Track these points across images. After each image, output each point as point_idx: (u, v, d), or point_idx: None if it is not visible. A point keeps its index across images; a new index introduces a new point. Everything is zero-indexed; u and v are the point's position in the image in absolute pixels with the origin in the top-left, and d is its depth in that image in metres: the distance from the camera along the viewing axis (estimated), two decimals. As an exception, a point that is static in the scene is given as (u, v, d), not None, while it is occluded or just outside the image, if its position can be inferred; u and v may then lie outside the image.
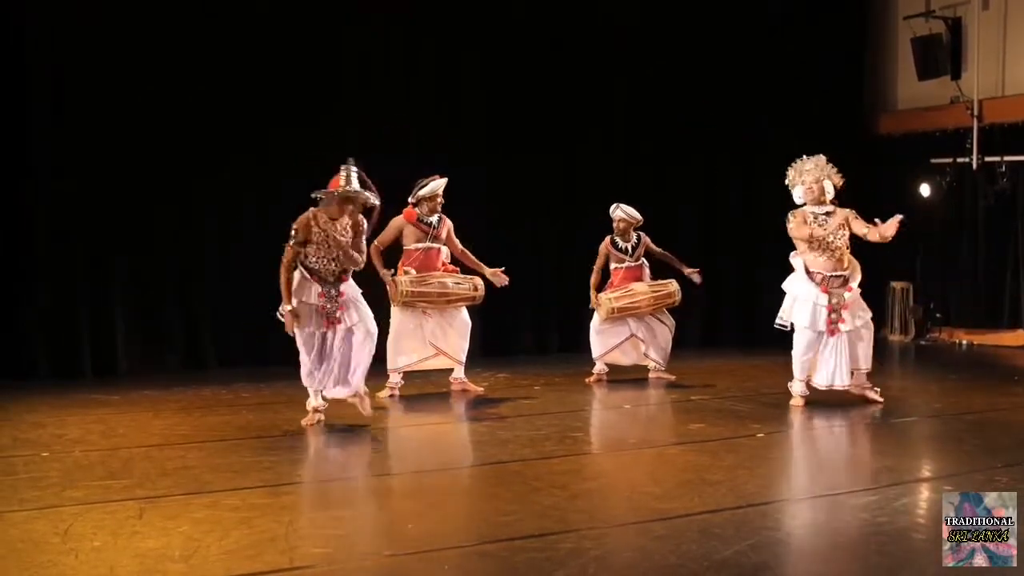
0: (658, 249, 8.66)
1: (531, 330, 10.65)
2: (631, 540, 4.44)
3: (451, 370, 8.09)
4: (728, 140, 11.61)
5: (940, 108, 11.84)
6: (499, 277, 7.86)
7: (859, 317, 7.32)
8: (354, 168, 6.52)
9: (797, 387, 7.46)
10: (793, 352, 7.46)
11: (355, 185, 6.49)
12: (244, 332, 9.45)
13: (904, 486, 5.26)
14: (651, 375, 8.73)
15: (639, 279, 8.56)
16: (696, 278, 8.63)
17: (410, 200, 7.75)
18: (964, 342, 11.61)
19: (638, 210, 8.57)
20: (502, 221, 10.09)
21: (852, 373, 7.31)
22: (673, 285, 8.57)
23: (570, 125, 10.78)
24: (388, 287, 7.63)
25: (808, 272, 7.34)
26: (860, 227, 7.31)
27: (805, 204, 7.44)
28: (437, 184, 7.69)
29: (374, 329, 6.65)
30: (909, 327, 12.17)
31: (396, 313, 7.75)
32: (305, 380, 6.70)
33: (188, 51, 9.19)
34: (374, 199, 6.59)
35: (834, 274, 7.29)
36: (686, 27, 11.34)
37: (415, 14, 10.04)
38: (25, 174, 8.72)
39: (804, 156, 7.67)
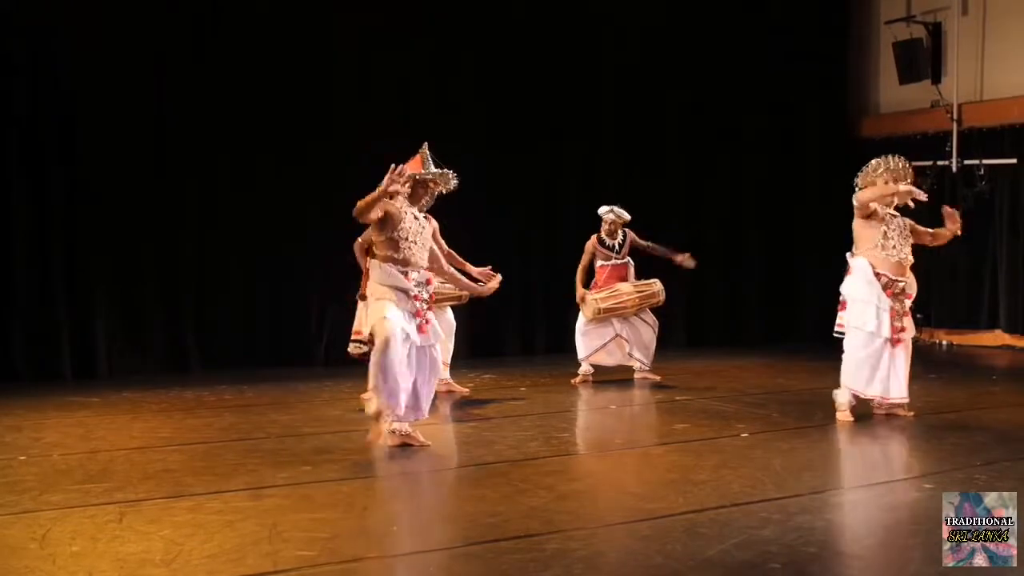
0: (644, 243, 8.67)
1: (517, 331, 10.65)
2: (617, 540, 4.43)
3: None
4: (712, 144, 11.66)
5: (921, 112, 11.94)
6: (488, 276, 7.69)
7: (911, 324, 6.87)
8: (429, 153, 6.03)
9: (845, 397, 6.86)
10: (846, 359, 6.83)
11: (433, 169, 5.98)
12: (227, 334, 9.40)
13: (886, 485, 5.27)
14: (636, 376, 8.74)
15: (624, 278, 8.58)
16: (689, 263, 8.65)
17: None
18: (944, 342, 11.71)
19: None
20: (487, 221, 10.08)
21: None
22: (657, 285, 8.59)
23: (556, 126, 10.80)
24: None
25: (875, 273, 6.71)
26: (923, 232, 6.90)
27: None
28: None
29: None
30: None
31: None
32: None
33: (174, 53, 9.15)
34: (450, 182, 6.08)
35: (898, 279, 6.76)
36: (668, 34, 11.37)
37: (410, 12, 10.03)
38: (2, 174, 8.64)
39: (889, 155, 7.06)
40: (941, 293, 11.90)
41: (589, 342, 8.62)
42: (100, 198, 8.91)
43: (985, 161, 11.28)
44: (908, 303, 6.80)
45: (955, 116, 11.60)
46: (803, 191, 12.13)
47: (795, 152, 12.06)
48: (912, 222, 6.89)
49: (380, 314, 5.66)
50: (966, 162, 11.46)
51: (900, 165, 6.89)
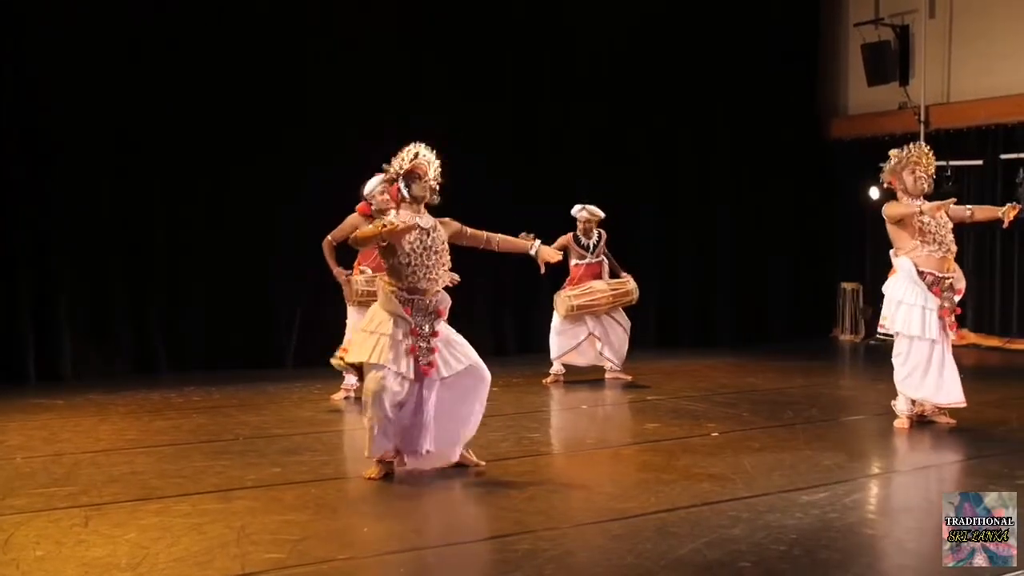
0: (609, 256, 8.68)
1: (489, 330, 10.62)
2: (588, 540, 4.43)
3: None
4: (683, 145, 11.70)
5: (889, 113, 12.06)
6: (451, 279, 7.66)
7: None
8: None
9: (903, 404, 6.63)
10: (896, 364, 6.61)
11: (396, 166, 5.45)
12: (196, 335, 9.32)
13: (854, 482, 5.31)
14: (607, 376, 8.75)
15: (598, 276, 8.58)
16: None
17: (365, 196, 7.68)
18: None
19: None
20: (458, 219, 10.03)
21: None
22: (631, 283, 8.61)
23: (526, 126, 10.78)
24: (343, 286, 7.54)
25: (919, 273, 6.48)
26: (960, 211, 6.60)
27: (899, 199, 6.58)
28: (373, 182, 7.61)
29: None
30: (859, 327, 12.33)
31: (352, 313, 7.66)
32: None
33: (143, 53, 9.05)
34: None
35: (945, 275, 6.48)
36: (638, 35, 11.39)
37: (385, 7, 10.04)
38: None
39: (909, 145, 6.77)
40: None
41: (563, 342, 8.62)
42: (65, 198, 8.79)
43: (952, 162, 11.39)
44: (957, 299, 6.54)
45: (922, 118, 11.73)
46: (773, 191, 12.20)
47: (765, 152, 12.13)
48: (938, 203, 6.51)
49: (367, 351, 5.28)
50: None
51: (915, 153, 6.59)
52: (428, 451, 5.39)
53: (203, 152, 9.27)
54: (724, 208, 12.03)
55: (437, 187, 5.50)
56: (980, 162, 11.38)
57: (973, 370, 10.15)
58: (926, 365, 6.49)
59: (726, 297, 12.04)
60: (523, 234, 5.95)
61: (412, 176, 5.40)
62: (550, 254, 5.83)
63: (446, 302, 5.49)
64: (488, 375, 5.53)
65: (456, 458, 5.55)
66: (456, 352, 5.45)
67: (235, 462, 5.70)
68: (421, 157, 5.41)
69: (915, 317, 6.47)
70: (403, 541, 4.43)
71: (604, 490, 5.24)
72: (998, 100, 11.06)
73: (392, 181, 5.45)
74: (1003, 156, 11.15)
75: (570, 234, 8.61)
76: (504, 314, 10.75)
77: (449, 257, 5.50)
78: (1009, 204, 6.74)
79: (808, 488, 5.08)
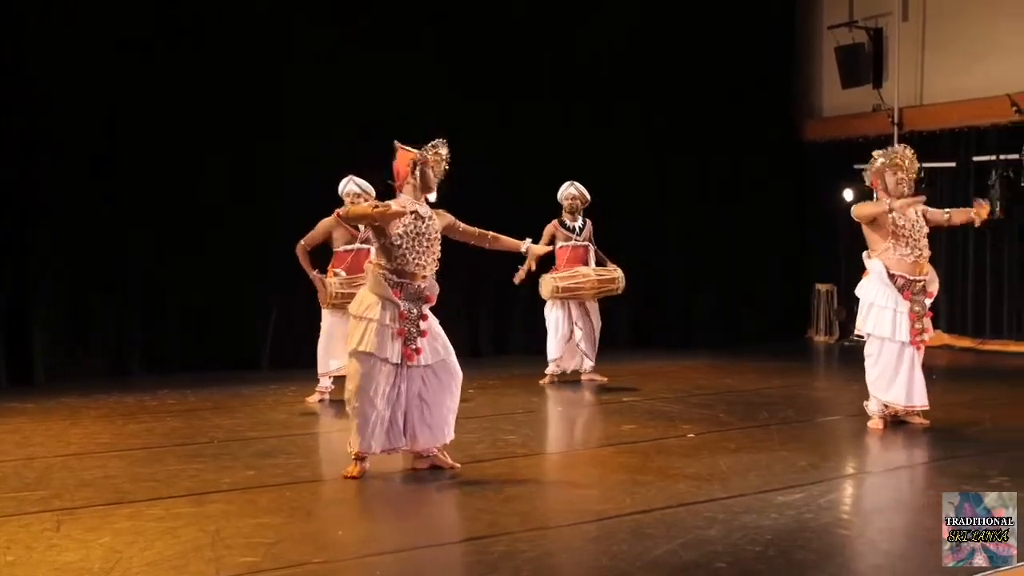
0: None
1: (463, 333, 10.59)
2: (564, 541, 4.43)
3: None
4: (658, 146, 11.73)
5: (863, 116, 12.15)
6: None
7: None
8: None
9: (874, 406, 6.68)
10: (868, 366, 6.67)
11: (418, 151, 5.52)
12: (170, 337, 9.25)
13: (828, 483, 5.34)
14: (583, 377, 8.75)
15: (585, 261, 8.56)
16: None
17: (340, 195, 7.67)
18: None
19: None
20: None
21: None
22: (618, 272, 8.57)
23: (506, 129, 10.76)
24: (318, 289, 7.52)
25: (890, 275, 6.53)
26: (938, 215, 6.68)
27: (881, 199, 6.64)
28: (343, 183, 7.62)
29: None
30: (833, 328, 12.42)
31: (327, 316, 7.64)
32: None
33: (125, 50, 8.99)
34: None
35: (916, 278, 6.52)
36: (614, 38, 11.40)
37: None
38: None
39: (893, 146, 6.91)
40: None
41: (560, 344, 8.58)
42: (39, 199, 8.70)
43: (925, 165, 11.47)
44: (928, 302, 6.57)
45: (896, 120, 11.83)
46: (749, 193, 12.26)
47: (740, 154, 12.19)
48: (925, 208, 6.63)
49: (356, 339, 5.32)
50: (907, 165, 11.67)
51: (899, 155, 6.64)
52: (406, 446, 5.42)
53: (179, 156, 9.20)
54: (699, 209, 12.08)
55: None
56: (953, 164, 11.48)
57: (946, 371, 10.26)
58: (895, 367, 6.52)
59: (702, 298, 12.09)
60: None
61: (429, 165, 5.48)
62: (541, 250, 6.09)
63: (434, 289, 5.52)
64: (460, 372, 5.56)
65: (434, 452, 5.54)
66: (437, 344, 5.49)
67: (209, 465, 5.66)
68: (443, 156, 5.51)
69: (886, 319, 6.50)
70: (379, 544, 4.41)
71: (580, 492, 5.24)
72: (971, 102, 11.17)
73: (414, 165, 5.46)
74: (976, 158, 11.26)
75: (555, 220, 8.57)
76: (479, 316, 10.73)
77: (440, 247, 5.53)
78: (977, 203, 6.79)
79: (784, 489, 5.10)
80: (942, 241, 11.53)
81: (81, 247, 8.93)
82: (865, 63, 11.97)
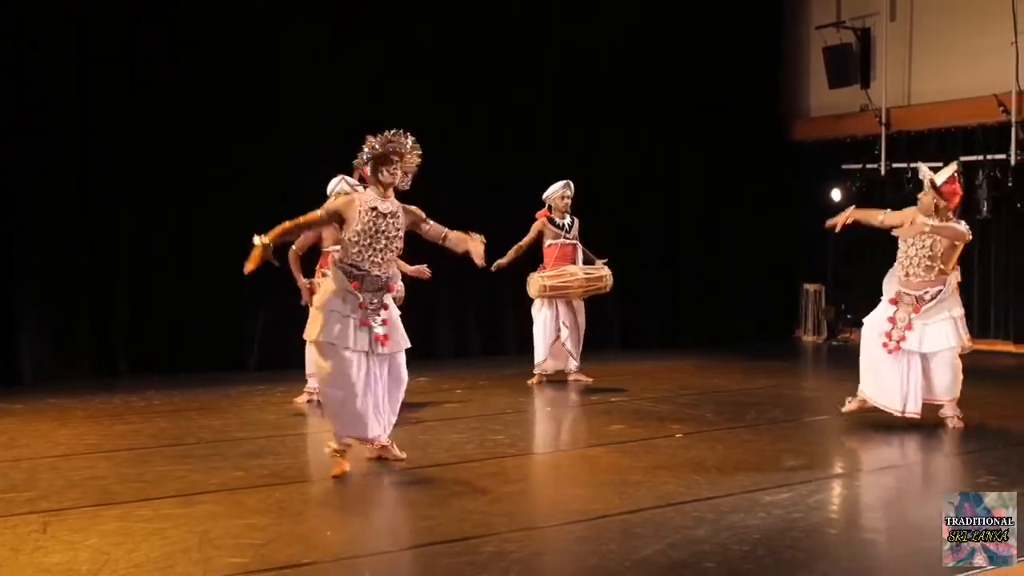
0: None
1: (452, 333, 10.60)
2: (553, 542, 4.43)
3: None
4: (646, 146, 11.73)
5: (850, 116, 12.18)
6: (423, 273, 7.54)
7: (937, 342, 6.58)
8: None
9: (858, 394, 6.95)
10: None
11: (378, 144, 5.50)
12: (157, 338, 9.22)
13: (816, 482, 5.36)
14: (570, 378, 8.74)
15: (574, 260, 8.53)
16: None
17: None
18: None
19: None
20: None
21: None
22: (605, 270, 8.56)
23: (491, 127, 10.75)
24: (304, 294, 7.46)
25: (895, 275, 6.79)
26: (872, 217, 6.94)
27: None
28: (333, 183, 7.59)
29: None
30: (822, 328, 12.45)
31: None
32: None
33: (102, 48, 8.94)
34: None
35: (907, 291, 6.64)
36: (600, 37, 11.40)
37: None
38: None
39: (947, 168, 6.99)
40: (869, 294, 12.11)
41: (548, 344, 8.57)
42: (26, 200, 8.66)
43: (912, 165, 11.54)
44: (915, 316, 6.60)
45: (883, 120, 11.86)
46: (737, 192, 12.28)
47: (729, 154, 12.21)
48: (923, 220, 6.58)
49: (315, 330, 5.38)
50: (894, 165, 11.72)
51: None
52: (378, 436, 5.51)
53: (166, 155, 9.16)
54: (688, 209, 12.10)
55: (409, 176, 5.51)
56: (940, 164, 11.48)
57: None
58: (876, 365, 6.72)
59: (690, 299, 12.10)
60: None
61: (382, 160, 5.42)
62: (477, 247, 5.69)
63: (396, 277, 5.60)
64: (405, 375, 5.66)
65: (385, 443, 5.64)
66: (397, 335, 5.56)
67: (197, 466, 5.65)
68: (398, 143, 5.43)
69: (872, 316, 6.87)
70: (367, 544, 4.41)
71: (569, 492, 5.25)
72: (958, 103, 11.21)
73: (372, 161, 5.45)
74: (963, 158, 11.26)
75: (543, 218, 8.48)
76: (467, 316, 10.72)
77: (401, 244, 5.52)
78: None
79: (772, 488, 5.11)
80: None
81: (68, 247, 8.88)
82: (853, 63, 12.00)
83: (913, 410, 6.57)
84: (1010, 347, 10.94)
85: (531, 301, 8.67)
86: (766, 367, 10.06)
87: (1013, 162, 10.71)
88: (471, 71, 10.59)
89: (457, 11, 10.53)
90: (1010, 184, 10.72)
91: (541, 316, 8.59)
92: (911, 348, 6.58)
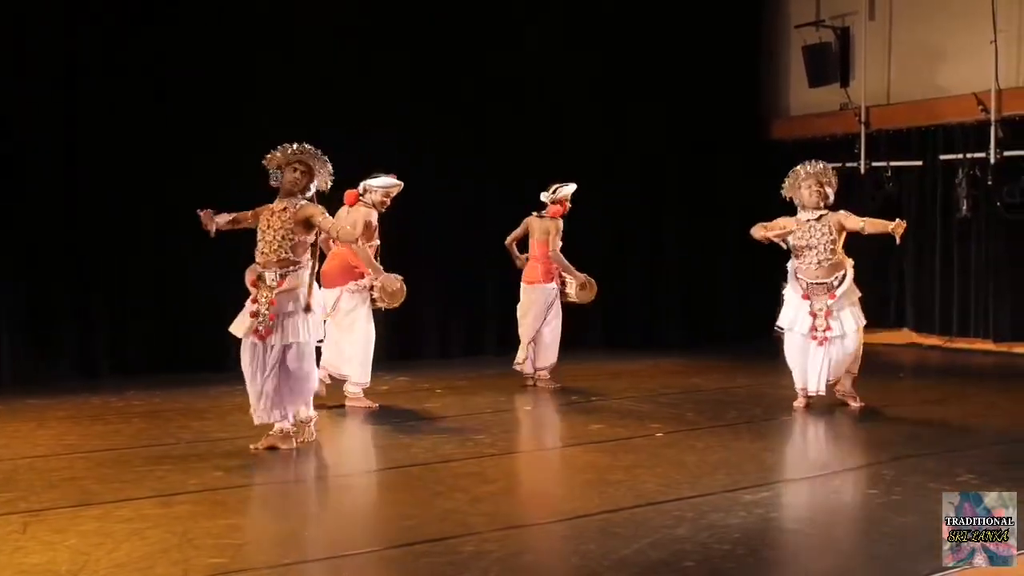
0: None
1: (433, 333, 10.58)
2: (533, 541, 4.44)
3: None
4: (625, 145, 11.74)
5: (830, 115, 12.22)
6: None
7: (844, 323, 7.16)
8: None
9: (799, 390, 7.43)
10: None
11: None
12: (137, 338, 9.16)
13: (796, 481, 5.39)
14: (538, 374, 8.64)
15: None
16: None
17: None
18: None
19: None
20: (406, 223, 9.99)
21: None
22: (591, 281, 8.57)
23: (473, 128, 10.74)
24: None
25: (796, 277, 7.36)
26: (854, 223, 7.24)
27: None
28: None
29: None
30: (802, 327, 12.49)
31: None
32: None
33: (88, 44, 8.89)
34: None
35: (817, 282, 7.19)
36: (576, 36, 11.39)
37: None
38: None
39: (809, 162, 7.63)
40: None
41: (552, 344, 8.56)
42: (2, 197, 8.59)
43: (892, 163, 11.62)
44: (831, 302, 7.13)
45: (863, 119, 11.92)
46: (715, 192, 12.30)
47: (708, 153, 12.24)
48: (842, 215, 7.25)
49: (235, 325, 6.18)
50: (874, 164, 11.79)
51: (800, 174, 7.53)
52: (280, 420, 6.00)
53: (147, 153, 9.10)
54: (668, 209, 12.12)
55: (297, 178, 6.11)
56: (920, 163, 11.60)
57: (914, 369, 10.40)
58: (802, 358, 7.27)
59: (671, 298, 12.13)
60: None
61: (275, 168, 6.20)
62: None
63: (290, 275, 5.99)
64: (313, 371, 6.14)
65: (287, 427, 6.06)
66: (288, 326, 5.98)
67: (177, 466, 5.63)
68: (280, 151, 6.16)
69: (787, 314, 7.38)
70: (347, 544, 4.41)
71: (549, 491, 5.26)
72: (938, 101, 11.28)
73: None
74: (943, 157, 11.37)
75: (558, 219, 8.44)
76: (449, 317, 10.70)
77: (288, 240, 5.99)
78: (897, 220, 7.18)
79: (752, 487, 5.14)
80: (909, 239, 11.67)
81: (46, 247, 8.81)
82: (832, 62, 12.06)
83: (818, 389, 7.17)
84: (989, 345, 10.99)
85: (516, 301, 8.62)
86: (747, 366, 10.09)
87: (993, 161, 10.79)
88: (457, 60, 10.58)
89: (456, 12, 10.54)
90: (989, 183, 10.80)
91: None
92: (836, 335, 7.08)
